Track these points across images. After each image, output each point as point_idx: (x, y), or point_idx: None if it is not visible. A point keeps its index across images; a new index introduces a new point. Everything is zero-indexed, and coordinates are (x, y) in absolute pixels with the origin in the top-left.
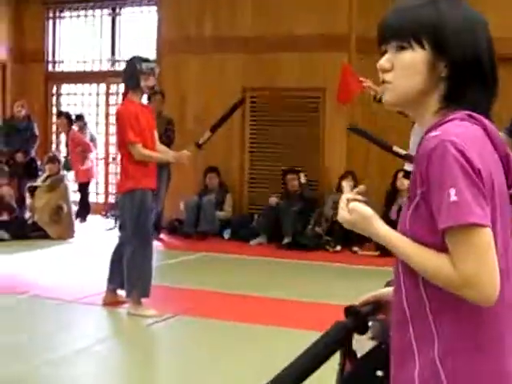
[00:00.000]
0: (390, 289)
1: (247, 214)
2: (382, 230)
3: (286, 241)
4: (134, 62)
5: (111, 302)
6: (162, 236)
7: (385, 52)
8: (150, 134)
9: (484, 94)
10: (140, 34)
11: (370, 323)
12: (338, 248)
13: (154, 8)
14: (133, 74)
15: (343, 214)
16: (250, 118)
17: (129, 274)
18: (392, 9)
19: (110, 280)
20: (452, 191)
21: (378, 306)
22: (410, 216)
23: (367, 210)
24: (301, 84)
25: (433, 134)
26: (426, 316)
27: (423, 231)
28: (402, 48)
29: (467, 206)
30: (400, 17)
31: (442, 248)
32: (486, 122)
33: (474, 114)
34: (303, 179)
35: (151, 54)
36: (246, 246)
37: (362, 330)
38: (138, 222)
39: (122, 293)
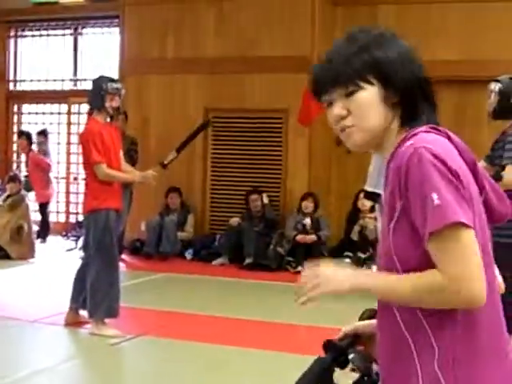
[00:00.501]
0: (367, 322)
1: (209, 235)
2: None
3: (247, 261)
4: (100, 82)
5: (73, 321)
6: (123, 256)
7: (330, 103)
8: (114, 154)
9: (432, 110)
10: (102, 54)
11: (350, 356)
12: (300, 268)
13: (117, 29)
14: (98, 93)
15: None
16: (213, 139)
17: (93, 295)
18: (324, 61)
19: (73, 299)
20: (434, 196)
21: (355, 338)
22: (391, 232)
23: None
24: (263, 105)
25: (406, 144)
26: (425, 332)
27: (406, 245)
28: (351, 92)
29: (450, 206)
30: (338, 65)
31: (426, 261)
32: (449, 132)
33: (436, 126)
34: (266, 199)
35: (114, 75)
36: (208, 266)
37: (343, 364)
38: (102, 242)
39: (83, 313)
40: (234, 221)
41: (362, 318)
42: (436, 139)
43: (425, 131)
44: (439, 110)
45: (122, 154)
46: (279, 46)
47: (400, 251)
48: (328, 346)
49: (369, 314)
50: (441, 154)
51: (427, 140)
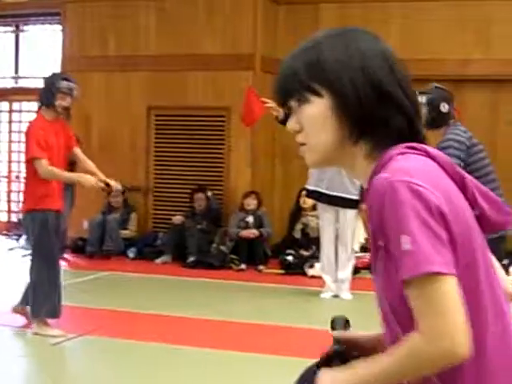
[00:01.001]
0: (360, 332)
1: (152, 233)
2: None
3: (190, 259)
4: (53, 79)
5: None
6: (65, 255)
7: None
8: (57, 152)
9: (407, 120)
10: (44, 52)
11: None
12: (243, 266)
13: (59, 26)
14: (49, 90)
15: None
16: (155, 137)
17: (34, 295)
18: (280, 65)
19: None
20: (405, 239)
21: (349, 345)
22: (382, 271)
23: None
24: (206, 103)
25: (380, 176)
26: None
27: (394, 286)
28: (300, 105)
29: (424, 253)
30: (285, 75)
31: None
32: (428, 148)
33: (414, 144)
34: (209, 193)
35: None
36: (151, 264)
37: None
38: (40, 242)
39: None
40: (177, 219)
41: (334, 328)
42: (414, 165)
43: (400, 153)
44: None
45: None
46: (221, 44)
47: (389, 290)
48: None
49: (343, 324)
50: (419, 188)
51: (404, 169)
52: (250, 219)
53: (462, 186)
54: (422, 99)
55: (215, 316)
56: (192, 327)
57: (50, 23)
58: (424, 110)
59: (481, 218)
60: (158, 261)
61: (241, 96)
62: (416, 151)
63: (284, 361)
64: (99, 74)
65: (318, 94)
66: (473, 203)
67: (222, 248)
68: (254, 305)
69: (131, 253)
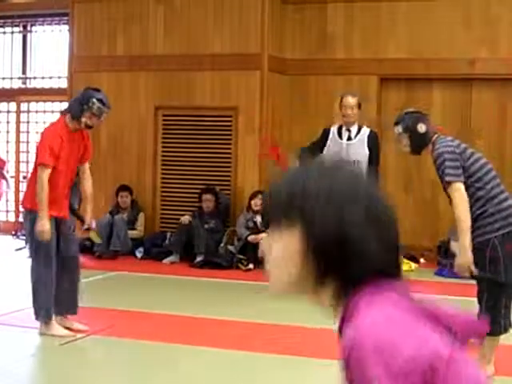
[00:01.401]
0: None
1: (160, 233)
2: None
3: (198, 259)
4: (90, 95)
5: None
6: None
7: None
8: (69, 163)
9: (377, 262)
10: (52, 52)
11: None
12: (251, 266)
13: (66, 27)
14: (81, 104)
15: None
16: (163, 137)
17: (34, 297)
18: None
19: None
20: None
21: None
22: None
23: None
24: (213, 103)
25: (351, 323)
26: None
27: None
28: (276, 229)
29: None
30: (272, 195)
31: None
32: (397, 286)
33: (382, 283)
34: (217, 189)
35: (63, 72)
36: (159, 264)
37: None
38: (36, 241)
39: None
40: (185, 219)
41: None
42: (383, 315)
43: (370, 297)
44: (387, 108)
45: (87, 169)
46: (229, 44)
47: None
48: None
49: None
50: (384, 350)
51: (372, 320)
52: (259, 219)
53: (434, 319)
54: (399, 129)
55: (223, 316)
56: (200, 327)
57: (58, 23)
58: (404, 139)
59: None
60: (166, 261)
61: (248, 96)
62: (384, 293)
63: (293, 360)
64: (107, 74)
65: (291, 223)
66: (448, 330)
67: (230, 248)
68: (262, 305)
69: (139, 253)
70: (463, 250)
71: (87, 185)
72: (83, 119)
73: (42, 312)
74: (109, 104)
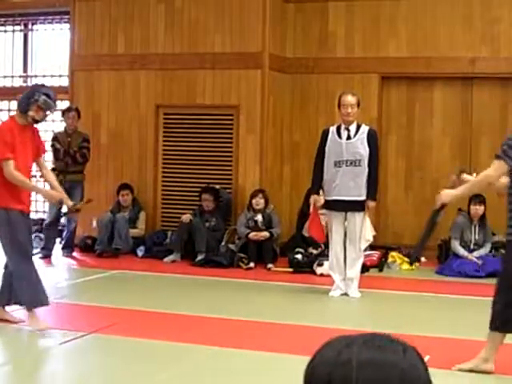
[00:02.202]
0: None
1: (161, 232)
2: None
3: (199, 258)
4: (36, 90)
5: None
6: (74, 254)
7: None
8: (24, 157)
9: None
10: (53, 51)
11: None
12: (252, 265)
13: (67, 25)
14: (28, 99)
15: None
16: (164, 135)
17: (20, 291)
18: None
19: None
20: None
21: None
22: None
23: None
24: (214, 101)
25: None
26: None
27: None
28: None
29: None
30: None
31: None
32: None
33: None
34: (218, 186)
35: (64, 71)
36: (160, 263)
37: None
38: (11, 238)
39: (8, 309)
40: (186, 217)
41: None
42: None
43: None
44: (390, 106)
45: (43, 160)
46: (230, 42)
47: None
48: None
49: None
50: None
51: None
52: (259, 218)
53: None
54: None
55: (224, 314)
56: (201, 325)
57: (59, 22)
58: None
59: None
60: (167, 259)
61: (249, 94)
62: None
63: (294, 359)
64: (108, 72)
65: None
66: None
67: (231, 246)
68: (262, 303)
69: (140, 251)
70: (460, 188)
71: (49, 175)
72: (30, 113)
73: (28, 302)
74: (54, 99)
